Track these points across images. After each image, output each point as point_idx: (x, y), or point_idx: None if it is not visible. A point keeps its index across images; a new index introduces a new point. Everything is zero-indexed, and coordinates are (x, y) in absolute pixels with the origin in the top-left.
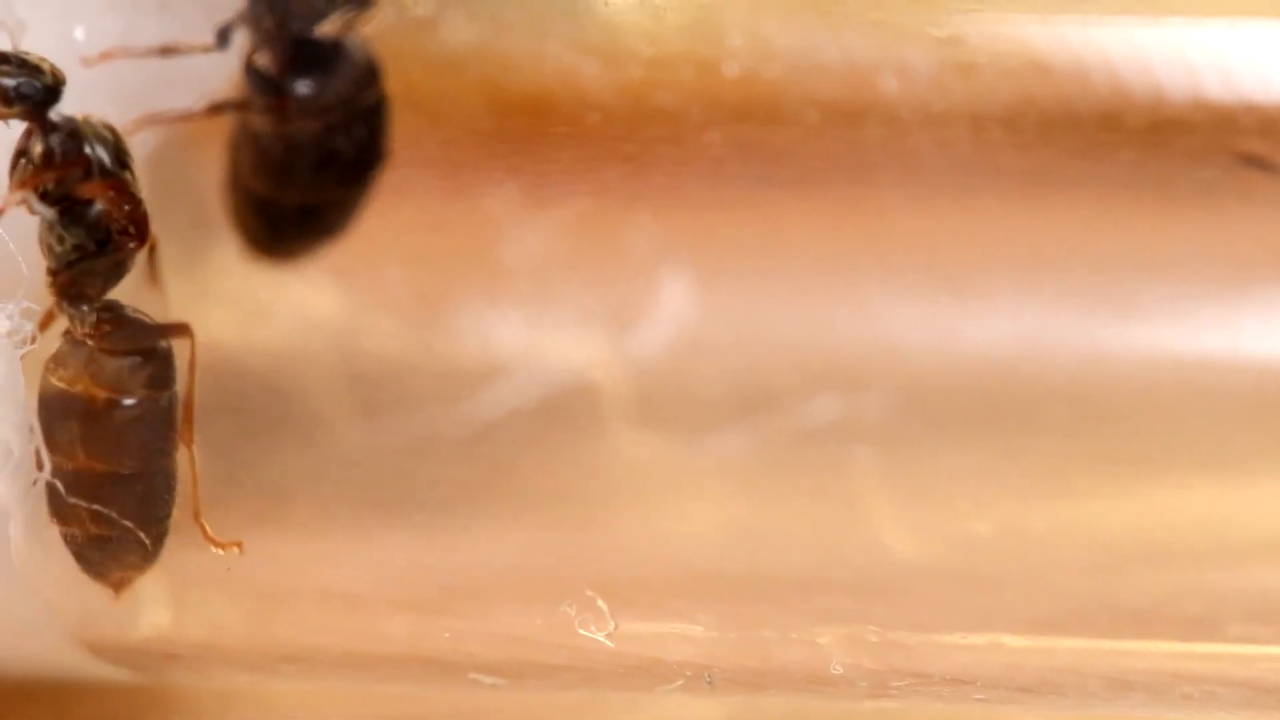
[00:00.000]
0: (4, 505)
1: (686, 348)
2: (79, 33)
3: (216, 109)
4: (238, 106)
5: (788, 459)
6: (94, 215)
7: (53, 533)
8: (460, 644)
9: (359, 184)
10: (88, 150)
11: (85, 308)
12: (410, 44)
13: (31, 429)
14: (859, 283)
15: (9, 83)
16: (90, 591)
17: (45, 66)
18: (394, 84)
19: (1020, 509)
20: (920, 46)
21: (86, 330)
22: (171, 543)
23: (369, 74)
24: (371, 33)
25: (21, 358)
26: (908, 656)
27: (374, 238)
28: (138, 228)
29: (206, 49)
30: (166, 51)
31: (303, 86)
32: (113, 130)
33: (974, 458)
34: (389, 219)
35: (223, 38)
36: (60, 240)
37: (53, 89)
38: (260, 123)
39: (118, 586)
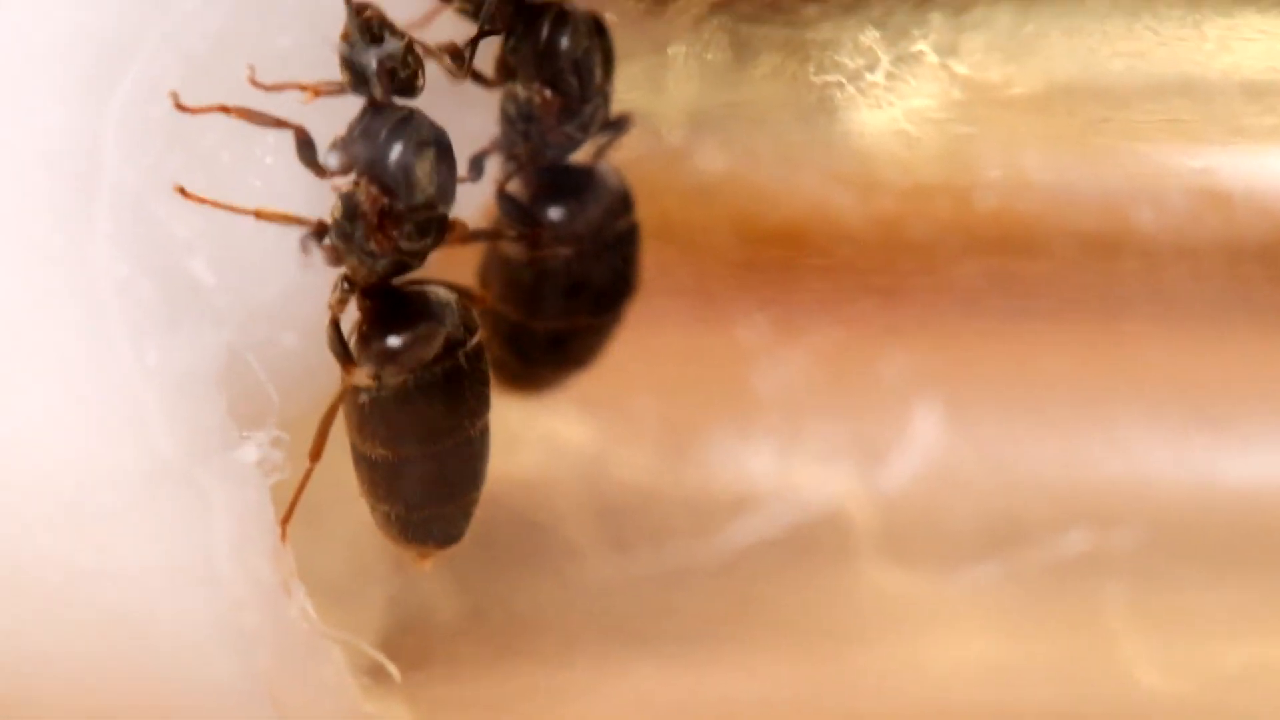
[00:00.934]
0: (256, 634)
1: (938, 480)
2: (331, 159)
3: (469, 238)
4: (491, 236)
5: (1039, 593)
6: (349, 199)
7: (302, 662)
8: None
9: (609, 313)
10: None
11: (345, 284)
12: (663, 173)
13: (281, 557)
14: (1113, 416)
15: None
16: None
17: (398, 56)
18: (646, 213)
19: (1273, 645)
20: (1176, 178)
21: (332, 301)
22: (421, 675)
23: (622, 202)
24: (624, 161)
25: (271, 486)
26: None
27: (625, 368)
28: (395, 239)
29: (460, 180)
30: None
31: (556, 214)
32: (425, 141)
33: (1226, 593)
34: (640, 348)
35: (476, 168)
36: (332, 209)
37: (401, 79)
38: (512, 249)
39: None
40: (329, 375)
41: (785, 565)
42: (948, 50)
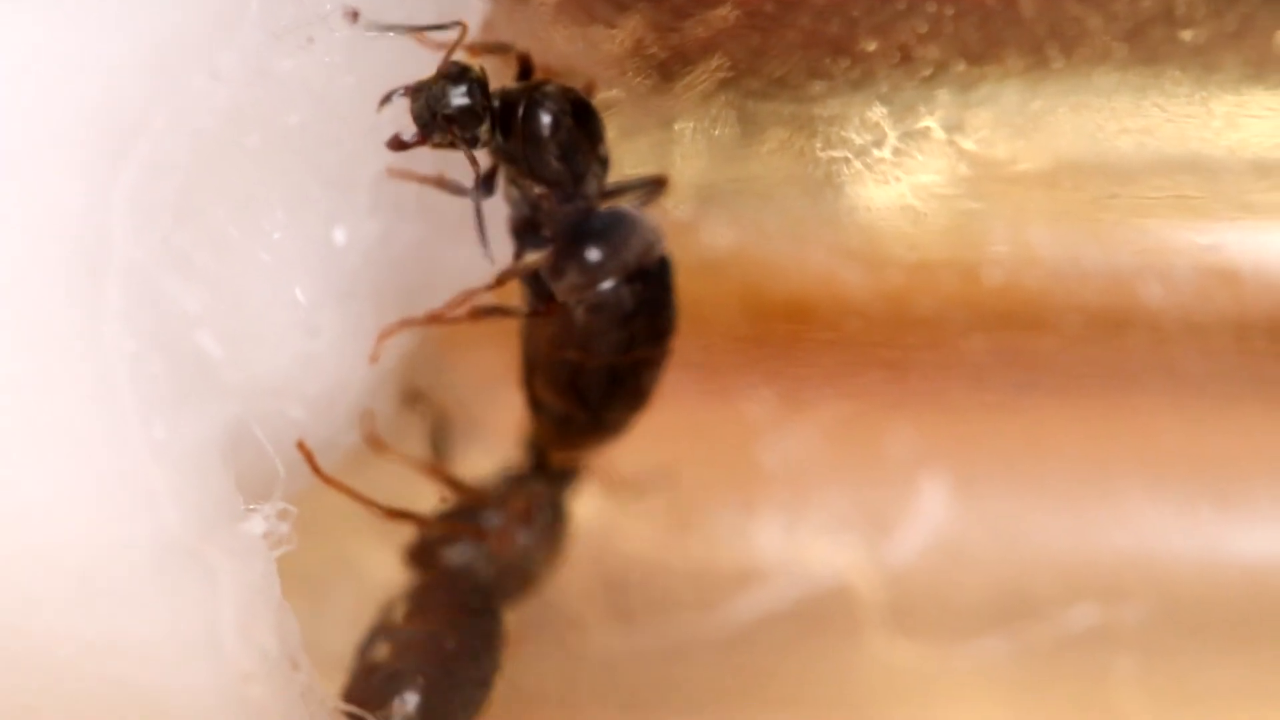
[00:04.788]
0: (262, 708)
1: (944, 554)
2: (339, 235)
3: (478, 314)
4: (501, 312)
5: (1047, 667)
6: None
7: None
8: None
9: (660, 344)
10: None
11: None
12: (670, 248)
13: (287, 631)
14: (1120, 491)
15: None
16: None
17: None
18: None
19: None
20: (1183, 254)
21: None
22: None
23: (651, 232)
24: None
25: (278, 558)
26: None
27: (631, 442)
28: None
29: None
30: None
31: (592, 256)
32: None
33: (1234, 668)
34: (646, 423)
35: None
36: None
37: None
38: (560, 293)
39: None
40: (335, 448)
41: (791, 639)
42: (955, 126)
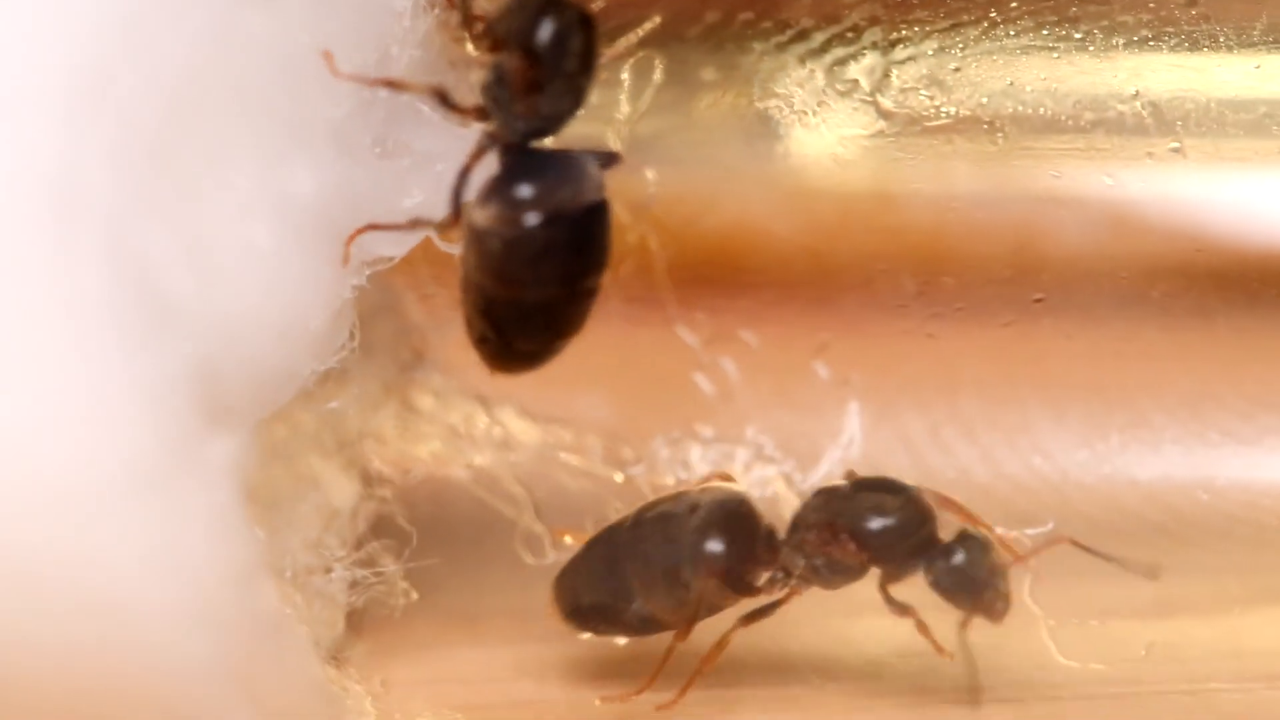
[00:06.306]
0: (226, 620)
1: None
2: (301, 181)
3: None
4: (417, 223)
5: None
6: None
7: (270, 646)
8: None
9: (578, 285)
10: None
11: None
12: (610, 192)
13: (249, 548)
14: (1029, 420)
15: None
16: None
17: None
18: None
19: (1172, 627)
20: (1093, 198)
21: None
22: (383, 656)
23: (590, 180)
24: None
25: (241, 483)
26: None
27: (564, 371)
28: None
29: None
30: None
31: (523, 190)
32: None
33: (1131, 582)
34: (579, 353)
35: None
36: None
37: None
38: (481, 220)
39: None
40: (296, 377)
41: None
42: (880, 80)
